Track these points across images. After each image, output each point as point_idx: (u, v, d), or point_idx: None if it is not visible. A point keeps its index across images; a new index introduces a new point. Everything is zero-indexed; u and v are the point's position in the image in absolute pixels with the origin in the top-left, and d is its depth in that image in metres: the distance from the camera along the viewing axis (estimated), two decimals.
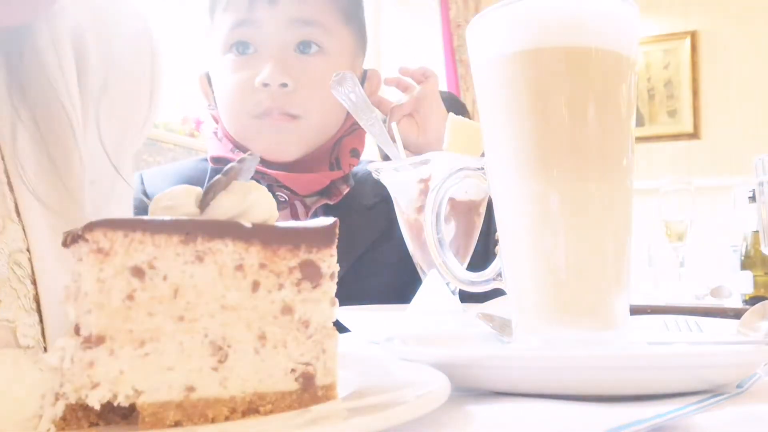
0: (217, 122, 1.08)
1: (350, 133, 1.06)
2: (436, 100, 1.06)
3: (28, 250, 0.52)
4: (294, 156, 1.01)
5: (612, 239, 0.44)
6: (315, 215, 1.02)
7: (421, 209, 0.74)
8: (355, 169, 1.08)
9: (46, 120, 0.54)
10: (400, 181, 0.76)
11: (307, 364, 0.33)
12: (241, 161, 0.35)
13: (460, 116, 0.78)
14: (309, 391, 0.32)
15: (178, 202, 0.33)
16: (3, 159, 0.53)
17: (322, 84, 0.95)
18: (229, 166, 0.34)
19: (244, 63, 1.01)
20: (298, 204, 1.03)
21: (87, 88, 0.56)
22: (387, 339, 0.45)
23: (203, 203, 0.33)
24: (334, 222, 0.34)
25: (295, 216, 1.03)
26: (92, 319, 0.29)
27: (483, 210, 0.78)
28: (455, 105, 1.99)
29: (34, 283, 0.52)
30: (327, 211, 1.03)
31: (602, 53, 0.43)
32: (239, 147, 1.04)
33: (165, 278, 0.30)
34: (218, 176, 0.34)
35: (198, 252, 0.31)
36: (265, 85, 0.97)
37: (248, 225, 0.32)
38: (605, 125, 0.43)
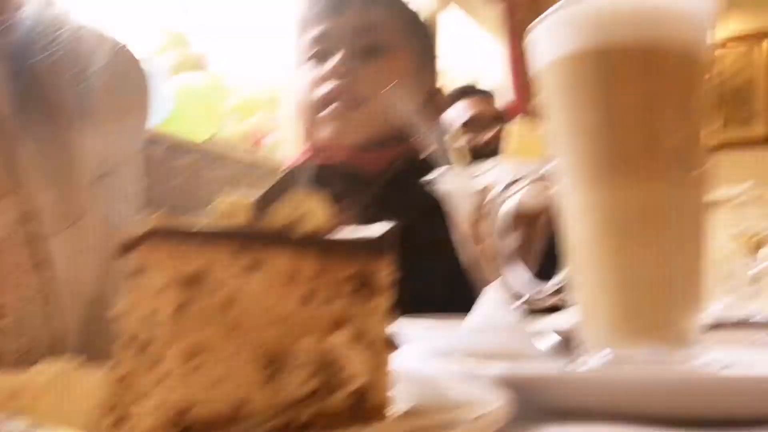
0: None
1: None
2: None
3: (35, 216, 0.58)
4: (356, 142, 1.10)
5: (685, 250, 0.42)
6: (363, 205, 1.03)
7: (479, 220, 0.73)
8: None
9: (49, 121, 0.62)
10: (459, 190, 0.75)
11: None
12: (295, 170, 0.34)
13: (524, 121, 0.77)
14: (362, 407, 0.31)
15: (232, 212, 0.32)
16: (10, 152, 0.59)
17: (384, 78, 1.06)
18: (284, 175, 0.34)
19: (317, 66, 1.14)
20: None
21: (77, 95, 0.65)
22: (445, 354, 0.43)
23: (257, 212, 0.32)
24: (391, 229, 0.32)
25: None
26: (144, 329, 0.28)
27: (547, 219, 0.76)
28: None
29: (41, 248, 0.58)
30: (374, 197, 1.05)
31: (675, 52, 0.41)
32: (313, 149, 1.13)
33: (217, 288, 0.29)
34: (272, 185, 0.33)
35: (252, 261, 0.30)
36: (325, 79, 1.10)
37: (302, 234, 0.31)
38: (678, 130, 0.41)
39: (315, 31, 1.15)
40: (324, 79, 1.11)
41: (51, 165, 0.62)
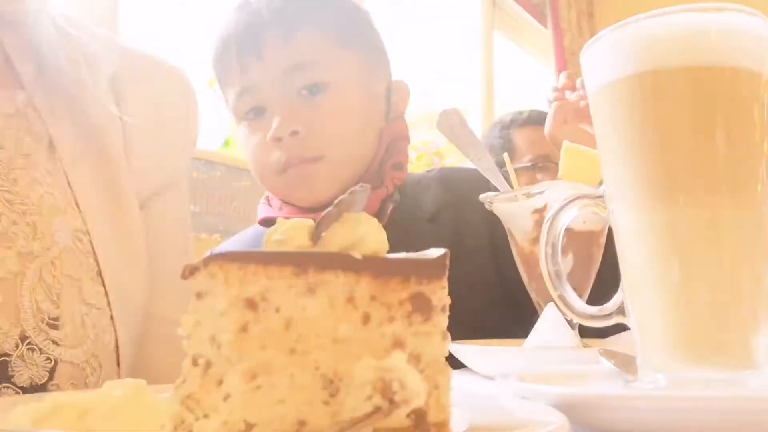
0: None
1: (392, 153, 1.02)
2: None
3: (88, 233, 0.62)
4: (330, 196, 0.94)
5: (746, 270, 0.41)
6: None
7: (536, 240, 0.72)
8: (406, 180, 1.02)
9: (97, 136, 0.66)
10: (513, 212, 0.75)
11: None
12: (351, 193, 0.35)
13: (576, 144, 0.76)
14: (421, 427, 0.32)
15: (291, 235, 0.33)
16: (62, 162, 0.63)
17: (338, 119, 0.96)
18: (340, 198, 0.34)
19: (256, 126, 0.99)
20: None
21: (127, 115, 0.68)
22: (503, 375, 0.43)
23: (315, 235, 0.33)
24: (445, 253, 0.33)
25: None
26: (207, 350, 0.29)
27: (603, 240, 0.75)
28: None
29: (96, 261, 0.62)
30: None
31: (730, 71, 0.40)
32: (286, 203, 1.03)
33: (277, 310, 0.30)
34: (330, 209, 0.34)
35: (310, 284, 0.31)
36: (277, 139, 0.95)
37: (359, 257, 0.31)
38: (736, 149, 0.41)
39: (238, 87, 0.99)
40: (270, 141, 0.96)
41: (100, 184, 0.65)
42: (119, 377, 0.62)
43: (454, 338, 0.68)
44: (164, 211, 0.73)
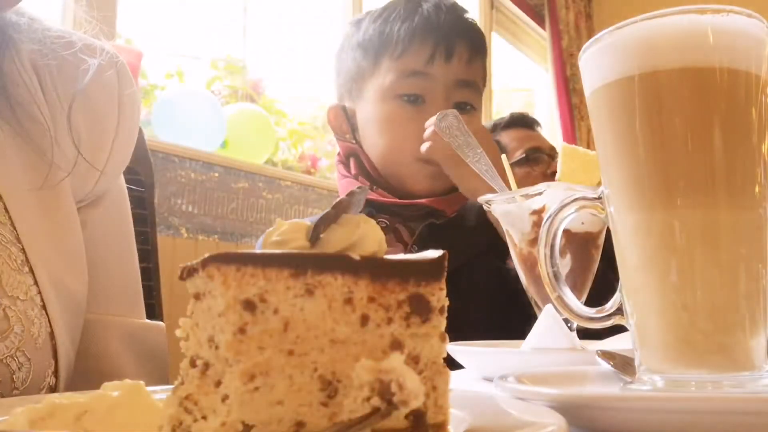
0: (347, 156, 1.20)
1: None
2: None
3: (11, 222, 0.59)
4: (441, 192, 1.14)
5: (743, 271, 0.41)
6: (421, 236, 1.09)
7: (534, 242, 0.72)
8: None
9: (26, 119, 0.63)
10: (512, 213, 0.75)
11: None
12: (350, 194, 0.35)
13: (573, 145, 0.76)
14: (419, 429, 0.31)
15: (289, 236, 0.33)
16: None
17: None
18: (339, 199, 0.34)
19: (412, 112, 1.13)
20: (400, 227, 1.12)
21: (52, 99, 0.66)
22: (501, 377, 0.43)
23: (313, 237, 0.33)
24: (443, 255, 0.33)
25: (399, 239, 1.12)
26: (206, 351, 0.29)
27: (601, 242, 0.75)
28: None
29: (23, 251, 0.59)
30: (431, 230, 1.10)
31: (728, 73, 0.40)
32: (379, 184, 1.15)
33: (276, 311, 0.30)
34: (328, 210, 0.34)
35: (308, 285, 0.30)
36: (438, 129, 1.10)
37: (357, 258, 0.31)
38: (733, 150, 0.41)
39: (411, 69, 1.14)
40: (432, 133, 1.08)
41: (29, 171, 0.62)
42: (56, 371, 0.59)
43: (470, 337, 0.69)
44: (102, 217, 0.70)
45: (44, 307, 0.59)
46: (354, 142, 1.20)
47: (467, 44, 1.15)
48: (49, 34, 0.68)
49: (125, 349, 0.69)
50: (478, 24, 1.30)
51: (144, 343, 0.71)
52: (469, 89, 1.17)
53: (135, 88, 0.73)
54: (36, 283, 0.59)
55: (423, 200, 1.12)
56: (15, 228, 0.60)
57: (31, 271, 0.59)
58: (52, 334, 0.59)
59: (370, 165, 1.18)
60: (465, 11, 1.22)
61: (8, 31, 0.65)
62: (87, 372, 0.65)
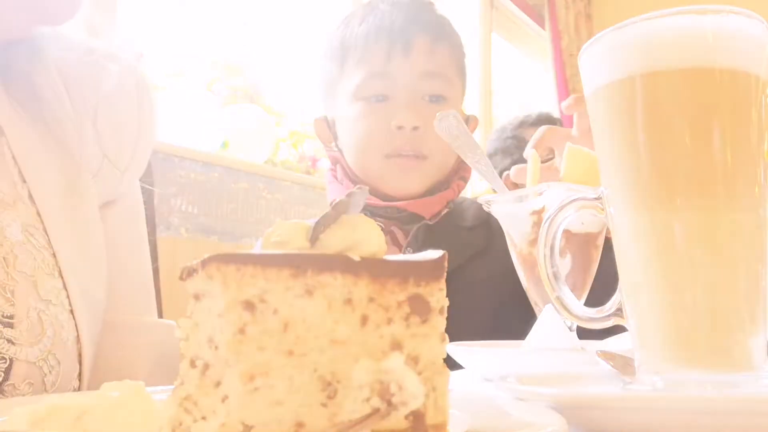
0: (335, 164, 1.21)
1: (461, 166, 1.17)
2: None
3: (43, 227, 0.61)
4: (418, 192, 1.13)
5: (743, 272, 0.41)
6: (415, 237, 1.10)
7: (534, 242, 0.72)
8: (460, 196, 1.18)
9: (52, 122, 0.65)
10: (512, 214, 0.75)
11: None
12: (350, 195, 0.35)
13: (577, 146, 0.76)
14: (419, 429, 0.31)
15: (289, 237, 0.33)
16: (14, 156, 0.62)
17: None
18: (339, 200, 0.34)
19: (377, 109, 1.12)
20: (395, 230, 1.12)
21: (78, 105, 0.68)
22: (501, 377, 0.43)
23: (313, 237, 0.33)
24: (443, 255, 0.33)
25: (395, 241, 1.12)
26: (205, 352, 0.29)
27: (601, 242, 0.75)
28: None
29: (54, 255, 0.60)
30: (426, 231, 1.11)
31: (728, 74, 0.40)
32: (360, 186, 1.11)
33: (275, 312, 0.30)
34: (328, 211, 0.34)
35: (308, 285, 0.30)
36: (400, 128, 1.09)
37: (357, 258, 0.31)
38: (733, 151, 0.41)
39: (373, 70, 1.13)
40: (393, 127, 1.09)
41: (55, 176, 0.64)
42: (80, 375, 0.61)
43: (472, 337, 0.69)
44: (120, 217, 0.72)
45: (72, 311, 0.61)
46: (336, 149, 1.21)
47: (427, 35, 1.13)
48: (73, 43, 0.70)
49: (144, 348, 0.70)
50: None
51: (162, 344, 0.71)
52: (437, 80, 1.14)
53: (154, 93, 0.76)
54: (65, 287, 0.61)
55: (399, 203, 1.12)
56: (47, 233, 0.61)
57: (61, 275, 0.61)
58: (78, 338, 0.61)
59: (349, 170, 1.19)
60: (427, 3, 1.20)
61: (39, 42, 0.67)
62: (107, 372, 0.65)
